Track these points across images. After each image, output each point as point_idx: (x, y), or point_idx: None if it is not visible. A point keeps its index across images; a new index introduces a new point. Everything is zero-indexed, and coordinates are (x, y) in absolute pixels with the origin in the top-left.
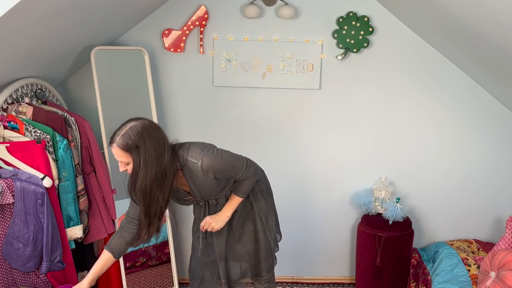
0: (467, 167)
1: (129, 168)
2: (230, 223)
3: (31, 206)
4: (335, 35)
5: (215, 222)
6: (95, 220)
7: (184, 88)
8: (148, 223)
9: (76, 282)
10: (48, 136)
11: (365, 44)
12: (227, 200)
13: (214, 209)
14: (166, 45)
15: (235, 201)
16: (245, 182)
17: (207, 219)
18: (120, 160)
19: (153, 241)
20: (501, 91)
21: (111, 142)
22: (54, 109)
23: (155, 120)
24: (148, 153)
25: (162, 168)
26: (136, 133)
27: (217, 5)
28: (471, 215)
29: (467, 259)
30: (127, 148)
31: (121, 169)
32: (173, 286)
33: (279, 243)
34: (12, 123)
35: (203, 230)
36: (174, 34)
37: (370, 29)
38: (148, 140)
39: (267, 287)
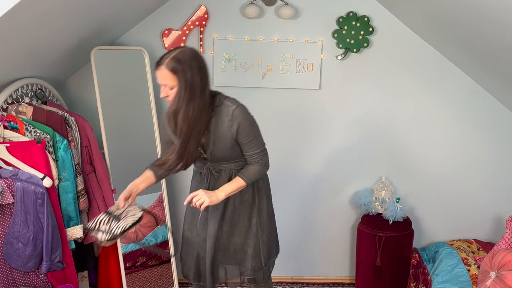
0: (467, 167)
1: (172, 93)
2: (225, 211)
3: (31, 206)
4: (335, 35)
5: (208, 196)
6: None
7: None
8: (182, 155)
9: (76, 282)
10: (48, 136)
11: (365, 44)
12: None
13: (214, 184)
14: (166, 45)
15: (235, 183)
16: (254, 167)
17: (200, 191)
18: (164, 84)
19: (153, 241)
20: (501, 90)
21: (158, 64)
22: (54, 109)
23: (155, 120)
24: (194, 80)
25: (204, 99)
26: (185, 58)
27: (217, 5)
28: (471, 215)
29: (467, 259)
30: (175, 70)
31: (162, 94)
32: (173, 286)
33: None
34: (12, 123)
35: (193, 203)
36: (174, 34)
37: (370, 29)
38: (196, 68)
39: None
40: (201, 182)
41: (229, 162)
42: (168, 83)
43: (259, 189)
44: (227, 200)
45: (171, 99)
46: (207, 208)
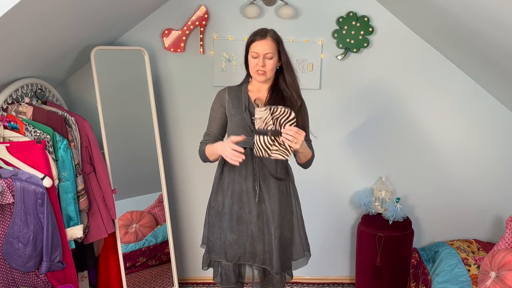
0: (467, 167)
1: (270, 63)
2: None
3: (31, 206)
4: (335, 35)
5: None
6: (95, 220)
7: (184, 88)
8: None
9: (76, 282)
10: (48, 136)
11: (365, 44)
12: (275, 161)
13: (261, 160)
14: (166, 45)
15: (307, 148)
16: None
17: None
18: (267, 52)
19: (153, 241)
20: (501, 91)
21: (262, 36)
22: (54, 109)
23: (155, 120)
24: (286, 51)
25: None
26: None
27: (217, 5)
28: (471, 215)
29: (467, 259)
30: (278, 41)
31: (260, 63)
32: (173, 286)
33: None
34: (12, 123)
35: (292, 134)
36: (174, 34)
37: (370, 29)
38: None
39: None
40: (250, 156)
41: None
42: (270, 52)
43: (292, 181)
44: (275, 189)
45: (268, 69)
46: (260, 185)
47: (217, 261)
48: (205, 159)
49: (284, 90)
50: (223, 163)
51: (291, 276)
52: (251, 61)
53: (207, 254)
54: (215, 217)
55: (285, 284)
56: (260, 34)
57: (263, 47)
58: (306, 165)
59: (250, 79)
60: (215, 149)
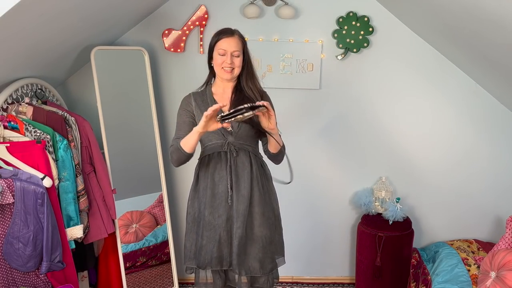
0: (467, 167)
1: (237, 61)
2: (252, 195)
3: (31, 206)
4: (335, 35)
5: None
6: (95, 220)
7: (184, 88)
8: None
9: (76, 282)
10: (48, 136)
11: (365, 44)
12: (249, 161)
13: (235, 161)
14: (166, 45)
15: (278, 137)
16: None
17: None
18: (234, 50)
19: (153, 241)
20: (501, 91)
21: (229, 34)
22: (54, 109)
23: (155, 120)
24: (249, 51)
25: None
26: None
27: (217, 5)
28: (471, 215)
29: (467, 259)
30: (243, 40)
31: (228, 60)
32: (173, 286)
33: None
34: (12, 123)
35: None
36: (174, 34)
37: (370, 29)
38: None
39: None
40: (218, 162)
41: (248, 143)
42: (237, 50)
43: (270, 180)
44: (252, 187)
45: (236, 65)
46: (232, 187)
47: (195, 267)
48: (179, 155)
49: (245, 90)
50: (198, 170)
51: (277, 277)
52: (217, 58)
53: (183, 260)
54: (191, 223)
55: (274, 284)
56: (228, 32)
57: (231, 44)
58: (278, 156)
59: (212, 80)
60: (191, 134)
